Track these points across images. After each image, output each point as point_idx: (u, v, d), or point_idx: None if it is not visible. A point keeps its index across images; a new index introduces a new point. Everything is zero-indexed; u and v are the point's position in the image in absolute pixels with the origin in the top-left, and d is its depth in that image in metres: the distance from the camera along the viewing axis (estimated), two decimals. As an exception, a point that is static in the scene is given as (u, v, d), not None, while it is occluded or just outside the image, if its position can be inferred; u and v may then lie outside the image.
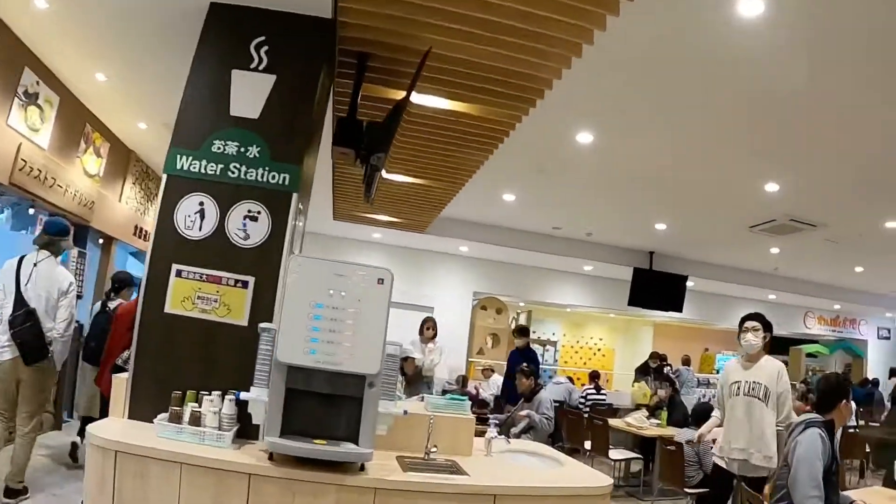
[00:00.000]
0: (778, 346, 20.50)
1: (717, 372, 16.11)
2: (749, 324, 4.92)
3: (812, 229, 9.61)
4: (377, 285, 3.21)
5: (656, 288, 12.33)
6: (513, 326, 14.65)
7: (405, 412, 3.44)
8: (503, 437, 4.42)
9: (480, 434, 4.22)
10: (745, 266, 13.73)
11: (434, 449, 3.67)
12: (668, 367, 13.34)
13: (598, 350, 19.11)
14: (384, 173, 6.76)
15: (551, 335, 18.42)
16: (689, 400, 11.49)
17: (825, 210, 8.89)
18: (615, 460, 7.79)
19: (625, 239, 11.74)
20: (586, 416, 9.50)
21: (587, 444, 8.12)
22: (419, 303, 11.91)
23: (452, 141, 6.21)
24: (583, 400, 10.80)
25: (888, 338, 20.26)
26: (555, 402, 9.35)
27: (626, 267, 12.26)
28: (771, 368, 4.71)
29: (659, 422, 8.40)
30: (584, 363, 18.34)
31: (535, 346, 17.26)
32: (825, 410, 3.66)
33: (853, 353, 19.67)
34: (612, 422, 8.17)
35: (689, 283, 13.18)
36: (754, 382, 4.66)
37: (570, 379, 12.13)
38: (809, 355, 19.14)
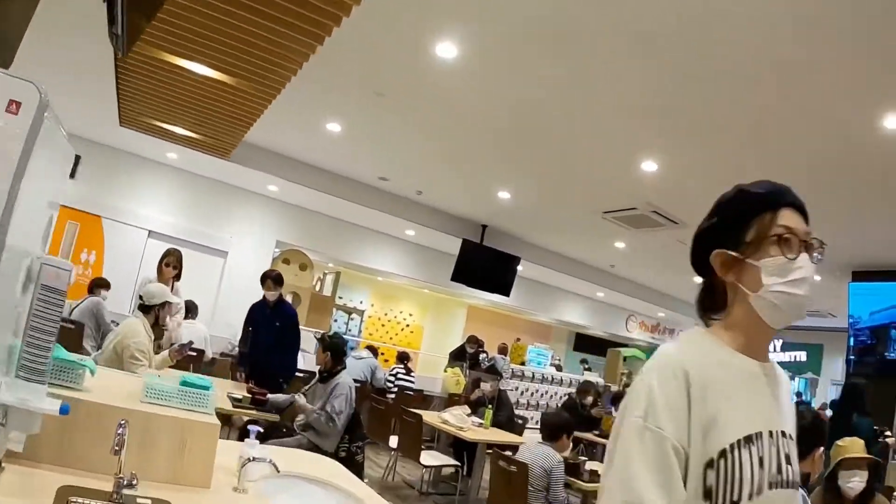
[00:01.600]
0: (594, 345, 22.18)
1: (524, 363, 15.75)
2: None
3: (671, 227, 9.73)
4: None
5: (485, 266, 12.18)
6: (317, 288, 14.59)
7: (64, 408, 2.00)
8: (268, 461, 2.73)
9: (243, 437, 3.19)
10: (582, 258, 14.07)
11: (133, 481, 2.09)
12: (485, 355, 13.37)
13: (407, 326, 19.08)
14: (183, 61, 5.78)
15: (358, 303, 18.15)
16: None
17: (696, 206, 8.64)
18: (427, 466, 7.16)
19: (459, 204, 11.39)
20: (392, 400, 9.39)
21: (393, 441, 7.46)
22: (212, 245, 11.28)
23: (266, 24, 4.86)
24: (391, 380, 10.53)
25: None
26: (355, 380, 8.94)
27: (454, 238, 11.94)
28: None
29: (482, 422, 7.69)
30: (391, 338, 18.36)
31: (339, 314, 17.69)
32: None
33: (670, 362, 21.13)
34: (426, 416, 7.34)
35: (518, 268, 13.15)
36: None
37: (374, 351, 11.27)
38: (626, 359, 20.54)
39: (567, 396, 11.09)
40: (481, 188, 10.02)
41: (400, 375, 10.65)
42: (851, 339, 11.09)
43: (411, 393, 10.14)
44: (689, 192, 8.32)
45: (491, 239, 12.50)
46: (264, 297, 7.17)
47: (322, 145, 9.23)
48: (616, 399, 10.19)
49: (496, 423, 7.87)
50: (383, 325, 18.73)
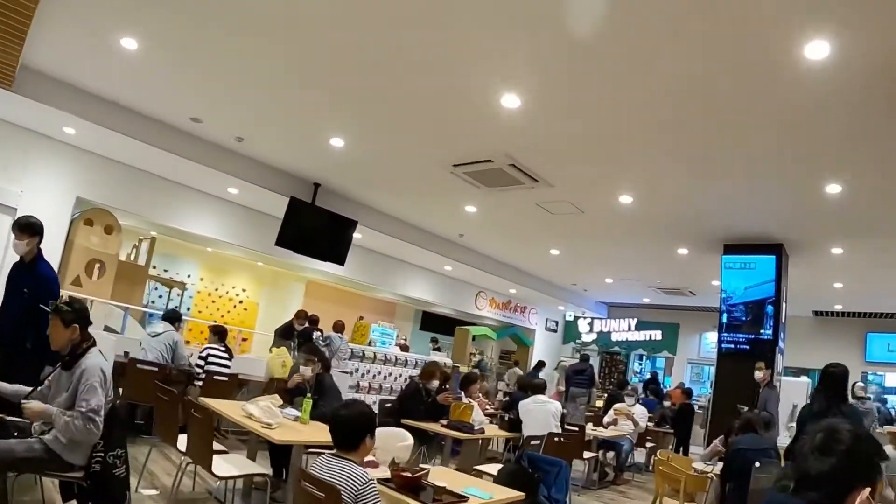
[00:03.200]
0: (442, 324, 21.22)
1: (371, 343, 15.39)
2: None
3: (529, 187, 8.80)
4: None
5: (316, 230, 10.78)
6: (132, 257, 12.61)
7: None
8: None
9: None
10: (427, 226, 12.94)
11: None
12: (319, 333, 12.43)
13: (241, 302, 17.64)
14: None
15: (186, 277, 16.41)
16: (343, 378, 10.37)
17: (562, 160, 7.96)
18: (221, 478, 5.06)
19: (287, 156, 9.79)
20: (199, 384, 8.12)
21: (182, 443, 5.38)
22: (-3, 199, 9.04)
23: None
24: (201, 361, 8.68)
25: (555, 330, 21.72)
26: (153, 364, 7.94)
27: (282, 198, 10.45)
28: None
29: (299, 414, 6.05)
30: (222, 316, 16.87)
31: (158, 287, 15.82)
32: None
33: (520, 340, 20.37)
34: (225, 408, 5.78)
35: (356, 235, 11.92)
36: None
37: (175, 320, 8.91)
38: (475, 337, 19.71)
39: (409, 379, 9.77)
40: (312, 133, 8.49)
41: (213, 356, 8.79)
42: (724, 316, 10.31)
43: (225, 378, 8.53)
44: (555, 140, 7.31)
45: (325, 200, 11.04)
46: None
47: (118, 70, 7.39)
48: (466, 382, 9.01)
49: (318, 416, 6.12)
50: (213, 301, 17.00)
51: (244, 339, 16.09)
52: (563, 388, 16.10)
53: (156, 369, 7.98)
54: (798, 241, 10.32)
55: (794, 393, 11.60)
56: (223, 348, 9.05)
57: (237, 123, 8.65)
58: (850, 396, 12.59)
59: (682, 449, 12.85)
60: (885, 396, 17.86)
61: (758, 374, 8.99)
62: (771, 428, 8.27)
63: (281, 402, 6.18)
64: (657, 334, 19.12)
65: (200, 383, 8.35)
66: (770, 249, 10.28)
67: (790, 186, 7.97)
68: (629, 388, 11.57)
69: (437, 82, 6.27)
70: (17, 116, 8.95)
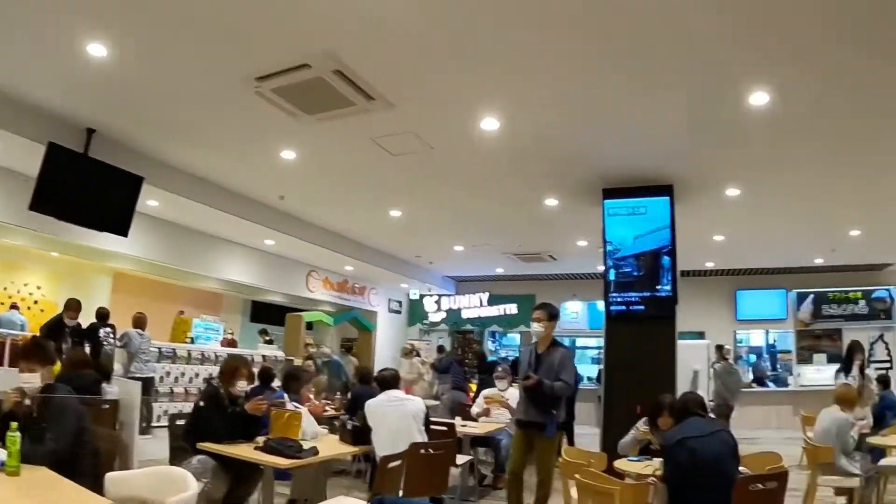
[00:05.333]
0: (276, 314, 18.70)
1: (194, 340, 13.52)
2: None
3: (362, 109, 6.85)
4: None
5: (88, 189, 8.12)
6: None
7: None
8: None
9: None
10: (237, 186, 10.56)
11: None
12: (108, 329, 10.20)
13: (36, 303, 15.01)
14: None
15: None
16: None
17: (402, 69, 6.15)
18: None
19: (34, 83, 7.12)
20: None
21: None
22: None
23: None
24: None
25: (399, 311, 19.91)
26: None
27: (37, 145, 7.74)
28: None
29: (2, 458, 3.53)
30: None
31: None
32: None
33: (361, 325, 18.50)
34: None
35: (152, 203, 9.86)
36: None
37: None
38: (311, 325, 17.47)
39: (206, 383, 7.68)
40: (58, 37, 5.98)
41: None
42: (612, 273, 8.70)
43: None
44: (394, 36, 5.56)
45: (104, 152, 8.44)
46: None
47: None
48: (289, 380, 7.15)
49: (47, 454, 3.76)
50: (2, 304, 14.04)
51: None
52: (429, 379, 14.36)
53: None
54: (692, 181, 9.03)
55: (692, 357, 10.37)
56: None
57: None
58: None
59: (566, 436, 11.35)
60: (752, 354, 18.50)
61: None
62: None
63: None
64: (512, 308, 17.83)
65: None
66: (661, 191, 8.81)
67: (702, 97, 6.57)
68: (499, 369, 9.72)
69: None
70: None
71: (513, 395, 9.29)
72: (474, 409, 9.23)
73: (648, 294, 8.57)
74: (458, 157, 8.48)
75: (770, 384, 17.26)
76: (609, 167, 8.53)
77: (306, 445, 5.51)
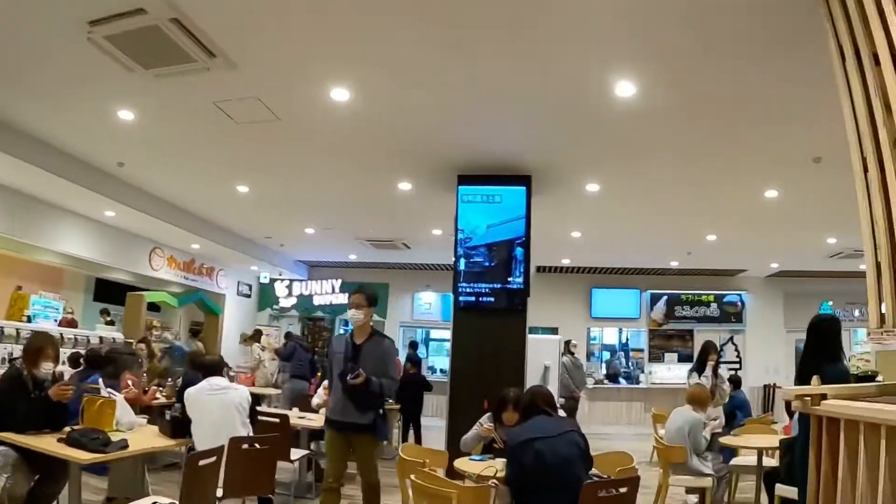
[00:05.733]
0: (122, 293, 17.49)
1: (31, 319, 12.58)
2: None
3: (203, 67, 6.18)
4: None
5: None
6: None
7: None
8: None
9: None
10: (73, 147, 9.45)
11: None
12: None
13: None
14: None
15: None
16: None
17: (246, 22, 5.47)
18: None
19: None
20: None
21: None
22: None
23: None
24: None
25: (249, 295, 19.15)
26: None
27: None
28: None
29: None
30: None
31: None
32: None
33: (208, 308, 17.66)
34: None
35: None
36: None
37: None
38: (154, 306, 16.55)
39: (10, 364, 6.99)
40: None
41: None
42: (462, 262, 8.40)
43: None
44: None
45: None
46: None
47: None
48: (103, 361, 6.54)
49: None
50: None
51: None
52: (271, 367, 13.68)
53: None
54: (551, 172, 8.82)
55: (544, 352, 10.21)
56: None
57: None
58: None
59: (411, 432, 11.08)
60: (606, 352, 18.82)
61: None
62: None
63: None
64: None
65: None
66: (518, 180, 8.57)
67: (567, 87, 6.42)
68: None
69: None
70: None
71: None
72: (314, 400, 8.78)
73: (499, 286, 8.28)
74: (306, 130, 7.92)
75: (622, 381, 17.54)
76: (465, 153, 8.20)
77: (118, 437, 4.99)
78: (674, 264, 16.22)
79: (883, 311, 3.15)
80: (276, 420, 6.87)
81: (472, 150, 8.13)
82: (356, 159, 8.91)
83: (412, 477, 4.38)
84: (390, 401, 10.86)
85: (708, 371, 8.64)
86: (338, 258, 17.66)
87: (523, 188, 8.46)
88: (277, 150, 8.71)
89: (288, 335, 14.84)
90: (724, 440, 7.61)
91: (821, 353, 4.80)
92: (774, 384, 16.79)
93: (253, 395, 5.98)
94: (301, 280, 18.41)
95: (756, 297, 18.02)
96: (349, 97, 6.79)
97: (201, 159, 9.41)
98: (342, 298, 17.31)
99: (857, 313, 17.48)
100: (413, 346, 14.61)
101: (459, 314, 8.46)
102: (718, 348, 15.90)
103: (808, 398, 3.17)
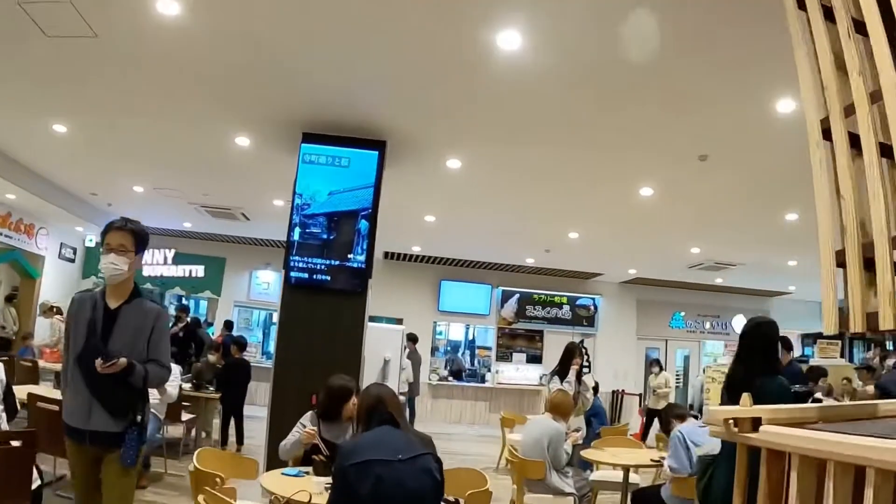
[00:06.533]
0: None
1: None
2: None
3: None
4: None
5: None
6: None
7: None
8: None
9: None
10: None
11: None
12: None
13: None
14: None
15: None
16: None
17: None
18: None
19: None
20: None
21: None
22: None
23: None
24: None
25: (73, 260, 17.25)
26: None
27: None
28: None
29: None
30: None
31: None
32: None
33: (24, 270, 15.69)
34: None
35: None
36: None
37: None
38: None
39: None
40: None
41: None
42: (297, 231, 7.23)
43: None
44: None
45: None
46: None
47: None
48: None
49: None
50: None
51: None
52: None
53: None
54: (409, 141, 7.82)
55: (385, 343, 9.18)
56: None
57: None
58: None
59: (231, 425, 9.78)
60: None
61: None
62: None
63: None
64: (199, 270, 16.32)
65: None
66: (370, 145, 7.47)
67: (436, 40, 5.53)
68: None
69: None
70: None
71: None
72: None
73: (338, 263, 7.12)
74: (129, 55, 6.55)
75: (467, 379, 16.81)
76: (314, 108, 7.06)
77: None
78: (529, 261, 15.58)
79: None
80: (56, 408, 5.34)
81: (322, 105, 7.02)
82: (189, 102, 7.58)
83: (201, 497, 3.28)
84: (210, 389, 9.59)
85: (571, 376, 7.73)
86: (171, 225, 15.97)
87: (375, 153, 7.36)
88: (97, 80, 7.27)
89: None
90: (586, 454, 6.80)
91: (755, 363, 4.07)
92: (623, 390, 16.57)
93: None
94: (130, 248, 16.58)
95: (609, 302, 17.75)
96: (179, 11, 5.51)
97: (7, 80, 7.83)
98: (174, 271, 16.08)
99: (707, 325, 17.51)
100: (228, 325, 13.32)
101: (289, 292, 7.23)
102: (583, 351, 15.63)
103: (734, 423, 2.25)
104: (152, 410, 7.13)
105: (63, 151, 10.31)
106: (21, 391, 6.18)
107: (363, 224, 7.12)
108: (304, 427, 4.77)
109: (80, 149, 10.08)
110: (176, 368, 7.79)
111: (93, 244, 16.66)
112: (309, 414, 4.86)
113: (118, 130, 9.00)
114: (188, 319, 13.26)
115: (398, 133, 7.51)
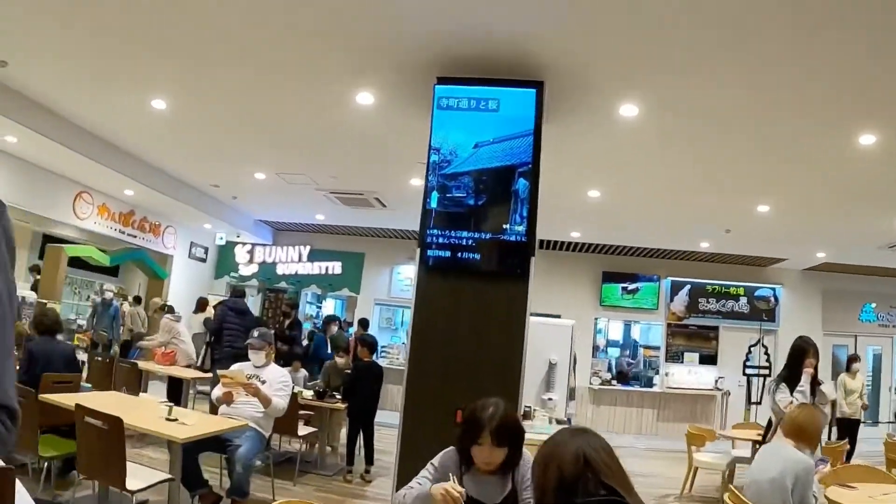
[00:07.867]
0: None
1: None
2: None
3: None
4: None
5: None
6: None
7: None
8: None
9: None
10: None
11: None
12: None
13: None
14: None
15: None
16: None
17: None
18: None
19: None
20: None
21: None
22: None
23: None
24: None
25: (204, 260, 16.32)
26: None
27: None
28: None
29: None
30: None
31: None
32: None
33: (152, 270, 14.72)
34: None
35: None
36: None
37: None
38: (78, 262, 13.69)
39: None
40: None
41: None
42: (434, 197, 5.55)
43: None
44: None
45: None
46: None
47: None
48: None
49: None
50: None
51: None
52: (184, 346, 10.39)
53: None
54: (571, 79, 5.94)
55: (548, 342, 7.33)
56: None
57: None
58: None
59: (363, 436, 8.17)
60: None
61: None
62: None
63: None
64: (336, 267, 15.30)
65: None
66: (525, 84, 5.67)
67: None
68: (255, 334, 6.42)
69: None
70: None
71: (273, 374, 6.19)
72: (214, 392, 6.05)
73: (489, 236, 5.29)
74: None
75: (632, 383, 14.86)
76: (450, 42, 5.42)
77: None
78: (704, 245, 13.37)
79: None
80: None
81: (460, 38, 5.33)
82: (299, 54, 6.06)
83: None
84: (337, 396, 8.05)
85: (804, 384, 5.73)
86: (304, 219, 14.81)
87: (532, 91, 5.54)
88: (190, 34, 5.89)
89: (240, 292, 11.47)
90: (833, 495, 4.64)
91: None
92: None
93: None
94: (264, 245, 15.89)
95: (791, 292, 15.25)
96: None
97: (98, 51, 6.56)
98: (310, 268, 15.23)
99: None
100: (363, 324, 11.84)
101: (427, 276, 5.49)
102: (744, 350, 13.42)
103: None
104: (253, 425, 5.68)
105: (164, 133, 9.09)
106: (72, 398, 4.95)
107: (521, 183, 5.27)
108: (436, 470, 3.08)
109: (181, 127, 8.84)
110: (284, 373, 6.35)
111: (223, 243, 15.72)
112: (450, 452, 3.13)
113: (224, 101, 7.66)
114: (295, 315, 11.79)
115: (559, 70, 5.72)
